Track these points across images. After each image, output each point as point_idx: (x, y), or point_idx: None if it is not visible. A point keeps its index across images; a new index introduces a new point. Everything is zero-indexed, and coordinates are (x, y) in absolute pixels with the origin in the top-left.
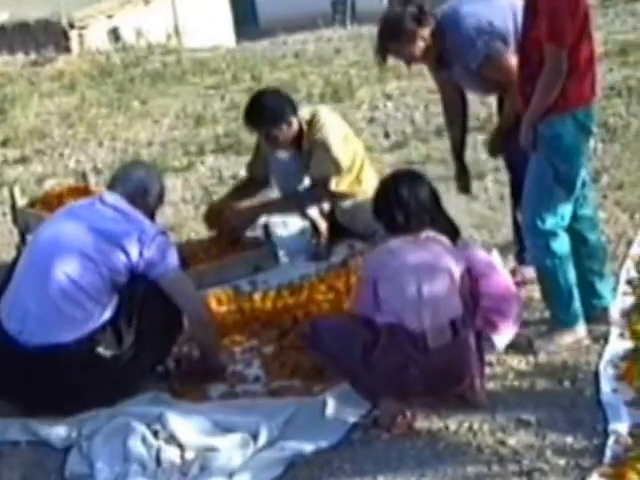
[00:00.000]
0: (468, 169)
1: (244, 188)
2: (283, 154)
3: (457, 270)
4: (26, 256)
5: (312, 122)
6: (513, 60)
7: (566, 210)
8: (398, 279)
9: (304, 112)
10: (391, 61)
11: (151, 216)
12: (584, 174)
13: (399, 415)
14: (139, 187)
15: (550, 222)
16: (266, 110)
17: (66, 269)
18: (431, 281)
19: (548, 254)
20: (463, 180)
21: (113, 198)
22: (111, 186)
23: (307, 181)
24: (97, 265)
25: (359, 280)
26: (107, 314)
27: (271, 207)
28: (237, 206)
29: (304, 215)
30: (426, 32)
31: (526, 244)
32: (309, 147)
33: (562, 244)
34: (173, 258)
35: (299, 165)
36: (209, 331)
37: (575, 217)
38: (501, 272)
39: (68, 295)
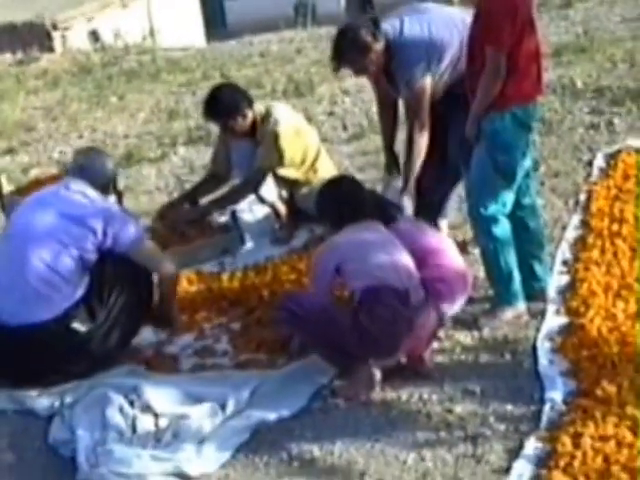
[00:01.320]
0: (397, 156)
1: (202, 186)
2: (242, 144)
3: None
4: (1, 245)
5: (265, 116)
6: (427, 93)
7: (507, 198)
8: (367, 252)
9: (260, 107)
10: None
11: (105, 194)
12: (527, 165)
13: (371, 382)
14: (96, 172)
15: (491, 209)
16: (223, 103)
17: (41, 255)
18: (395, 249)
19: (490, 238)
20: (391, 165)
21: (75, 184)
22: (71, 173)
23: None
24: (68, 248)
25: (316, 269)
26: (80, 292)
27: (214, 204)
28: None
29: (262, 201)
30: (379, 46)
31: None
32: (261, 139)
33: (503, 229)
34: (137, 230)
35: (252, 153)
36: (175, 285)
37: (518, 205)
38: (447, 250)
39: (44, 279)
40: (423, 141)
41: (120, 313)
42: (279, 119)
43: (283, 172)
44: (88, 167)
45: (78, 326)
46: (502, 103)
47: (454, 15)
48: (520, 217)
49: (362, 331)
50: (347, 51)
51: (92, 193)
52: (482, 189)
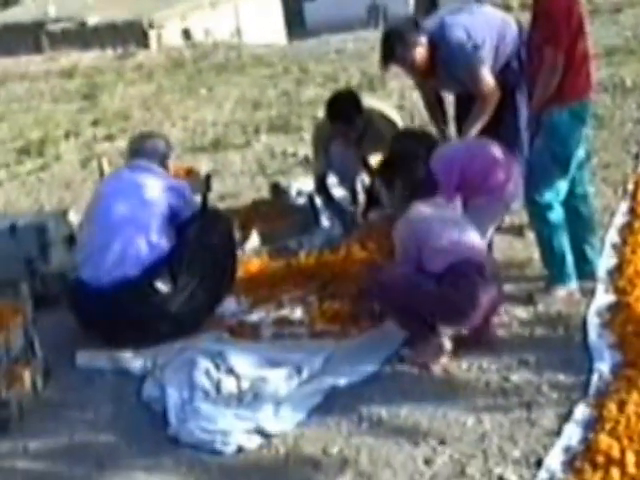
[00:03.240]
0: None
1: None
2: (341, 148)
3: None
4: (89, 226)
5: (371, 117)
6: (486, 72)
7: (561, 186)
8: (443, 230)
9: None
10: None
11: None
12: (581, 156)
13: (440, 352)
14: (154, 151)
15: (546, 196)
16: (342, 111)
17: (123, 235)
18: (465, 226)
19: (544, 223)
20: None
21: (138, 164)
22: (133, 155)
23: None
24: (147, 223)
25: (400, 246)
26: (164, 252)
27: None
28: None
29: (352, 188)
30: (423, 40)
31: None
32: (372, 135)
33: (557, 215)
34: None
35: (355, 158)
36: None
37: (572, 194)
38: None
39: (132, 243)
40: (487, 108)
41: (202, 282)
42: (388, 116)
43: (372, 160)
44: (144, 149)
45: (161, 285)
46: (561, 99)
47: (496, 14)
48: (573, 205)
49: (444, 299)
50: (395, 49)
51: (153, 167)
52: (539, 178)
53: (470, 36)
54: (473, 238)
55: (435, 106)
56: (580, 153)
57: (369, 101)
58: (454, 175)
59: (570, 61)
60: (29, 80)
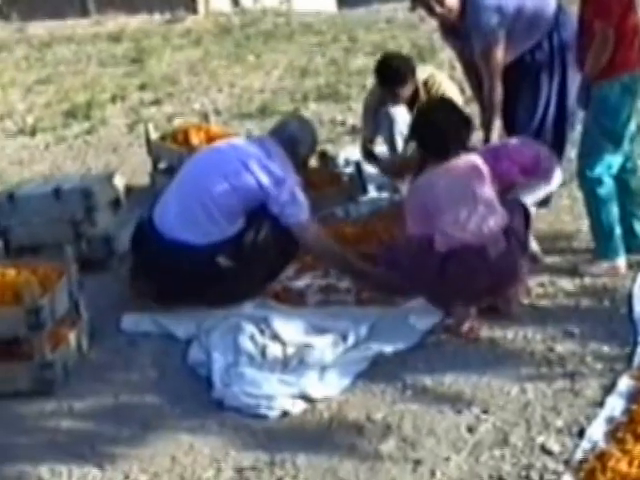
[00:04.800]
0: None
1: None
2: (392, 110)
3: (488, 181)
4: (185, 168)
5: (428, 82)
6: (499, 54)
7: (614, 161)
8: (451, 213)
9: (419, 73)
10: None
11: (303, 164)
12: (633, 130)
13: (470, 320)
14: (291, 138)
15: (597, 170)
16: (392, 71)
17: (208, 186)
18: (480, 197)
19: (593, 197)
20: None
21: (270, 143)
22: (271, 133)
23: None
24: (235, 190)
25: (408, 209)
26: (233, 231)
27: None
28: None
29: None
30: None
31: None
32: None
33: (607, 189)
34: (304, 211)
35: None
36: (347, 267)
37: (622, 168)
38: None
39: (205, 207)
40: (496, 95)
41: (264, 259)
42: (443, 84)
43: None
44: (281, 130)
45: (222, 261)
46: (611, 72)
47: None
48: (622, 179)
49: (445, 282)
50: None
51: (280, 156)
52: (589, 152)
53: (500, 8)
54: (481, 214)
55: (471, 69)
56: (631, 126)
57: (426, 70)
58: None
59: (620, 35)
60: (76, 43)
